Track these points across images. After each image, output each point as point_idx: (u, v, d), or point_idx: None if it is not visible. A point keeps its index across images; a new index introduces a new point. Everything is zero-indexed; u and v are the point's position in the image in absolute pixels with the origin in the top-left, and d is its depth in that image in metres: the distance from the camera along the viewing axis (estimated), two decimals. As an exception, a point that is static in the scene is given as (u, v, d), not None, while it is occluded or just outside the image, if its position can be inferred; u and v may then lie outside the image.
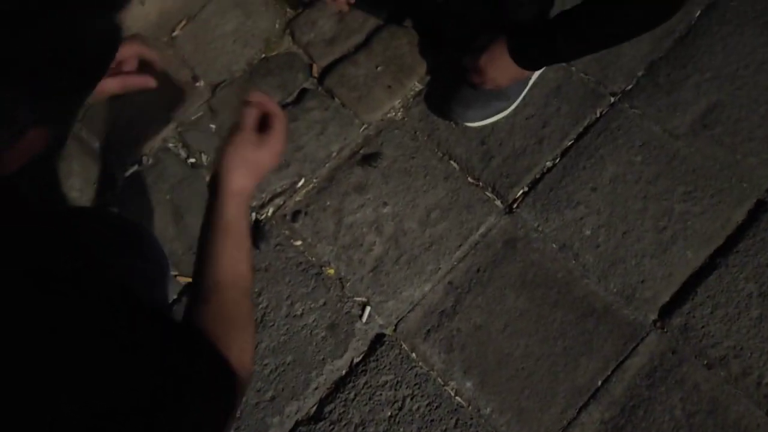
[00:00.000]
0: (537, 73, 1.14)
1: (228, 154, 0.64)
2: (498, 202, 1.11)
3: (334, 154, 1.17)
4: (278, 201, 1.13)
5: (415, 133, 1.17)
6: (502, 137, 1.15)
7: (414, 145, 1.16)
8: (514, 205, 1.10)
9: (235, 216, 0.62)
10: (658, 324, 1.00)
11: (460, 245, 1.08)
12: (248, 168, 0.64)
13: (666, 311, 1.01)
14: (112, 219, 0.84)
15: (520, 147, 1.14)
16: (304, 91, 1.22)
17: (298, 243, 1.10)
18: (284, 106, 1.22)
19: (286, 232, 1.10)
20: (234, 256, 0.60)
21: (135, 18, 1.21)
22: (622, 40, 0.86)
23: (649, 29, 0.81)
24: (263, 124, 0.67)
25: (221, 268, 0.59)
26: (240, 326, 0.56)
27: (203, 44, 1.25)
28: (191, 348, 0.49)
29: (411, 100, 1.21)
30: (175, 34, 1.25)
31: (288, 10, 1.28)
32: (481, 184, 1.13)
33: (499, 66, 1.00)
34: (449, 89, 1.15)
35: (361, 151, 1.15)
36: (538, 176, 1.12)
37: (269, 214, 1.12)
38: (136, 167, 1.17)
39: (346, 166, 1.15)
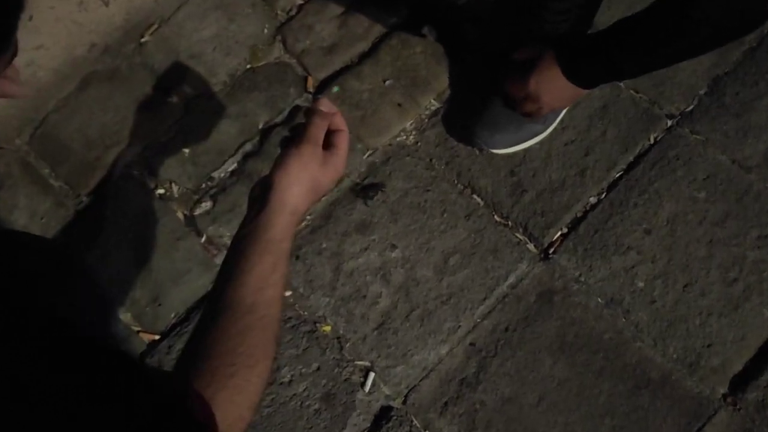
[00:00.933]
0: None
1: (290, 165, 0.66)
2: (531, 246, 1.12)
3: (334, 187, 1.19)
4: None
5: (431, 161, 1.19)
6: (535, 167, 1.16)
7: (429, 176, 1.17)
8: (551, 250, 1.11)
9: (281, 235, 0.64)
10: (729, 399, 0.99)
11: (484, 298, 1.09)
12: (308, 187, 0.67)
13: (738, 383, 1.00)
14: (37, 243, 0.85)
15: (558, 179, 1.15)
16: (296, 109, 1.24)
17: (287, 294, 1.11)
18: (273, 127, 1.24)
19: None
20: (265, 277, 0.61)
21: (98, 22, 1.23)
22: (703, 50, 0.83)
23: (734, 38, 0.80)
24: (325, 141, 0.71)
25: (245, 286, 0.60)
26: (247, 366, 0.56)
27: (177, 52, 1.27)
28: (161, 409, 0.47)
29: (426, 121, 1.22)
30: (144, 40, 1.27)
31: (279, 12, 1.30)
32: (510, 223, 1.14)
33: (554, 88, 0.99)
34: (472, 108, 1.17)
35: (365, 182, 1.17)
36: (579, 215, 1.14)
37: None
38: (92, 198, 1.19)
39: (347, 200, 1.16)
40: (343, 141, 0.70)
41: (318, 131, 0.69)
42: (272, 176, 0.66)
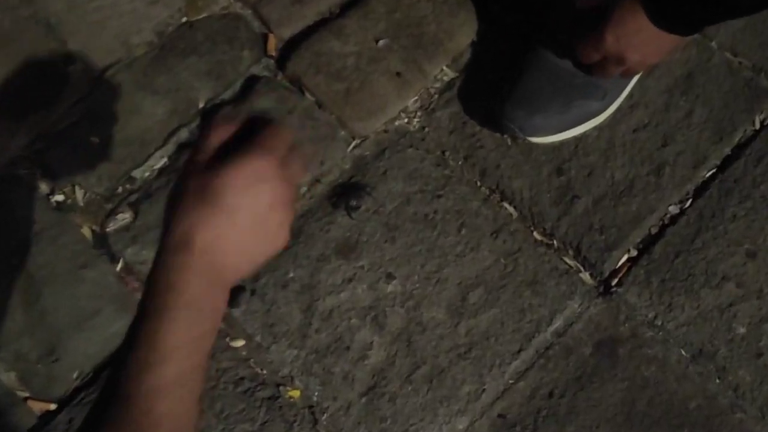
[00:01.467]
0: None
1: (173, 189, 0.67)
2: (586, 276, 1.12)
3: (303, 189, 1.17)
4: None
5: (443, 154, 1.20)
6: (592, 163, 1.17)
7: (440, 176, 1.18)
8: (614, 282, 1.11)
9: (171, 285, 0.63)
10: None
11: (519, 350, 1.08)
12: (195, 198, 0.65)
13: None
14: None
15: (624, 180, 1.15)
16: (252, 81, 1.24)
17: (239, 344, 1.10)
18: (219, 105, 1.23)
19: (220, 325, 1.10)
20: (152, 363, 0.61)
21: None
22: None
23: None
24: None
25: (131, 377, 0.61)
26: None
27: (84, 2, 1.27)
28: None
29: (436, 97, 1.23)
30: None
31: (228, -56, 1.31)
32: (555, 243, 1.14)
33: (642, 41, 1.00)
34: (502, 79, 1.17)
35: (350, 185, 1.17)
36: (654, 231, 1.14)
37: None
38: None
39: (323, 210, 1.16)
40: (266, 128, 0.69)
41: (209, 139, 0.69)
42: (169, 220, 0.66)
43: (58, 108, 1.21)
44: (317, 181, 1.18)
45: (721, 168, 1.16)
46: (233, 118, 0.70)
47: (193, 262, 0.63)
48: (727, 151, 1.16)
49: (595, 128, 1.17)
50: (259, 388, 1.07)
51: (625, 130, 1.18)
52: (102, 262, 1.14)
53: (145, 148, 1.20)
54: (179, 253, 0.64)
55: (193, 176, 0.66)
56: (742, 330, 1.07)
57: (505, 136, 1.18)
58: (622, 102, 1.17)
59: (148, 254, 1.14)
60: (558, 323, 1.10)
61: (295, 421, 1.06)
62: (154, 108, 1.22)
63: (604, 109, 1.16)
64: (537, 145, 1.17)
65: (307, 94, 1.22)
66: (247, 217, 0.66)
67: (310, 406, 1.07)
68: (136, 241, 1.15)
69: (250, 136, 0.69)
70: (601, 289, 1.12)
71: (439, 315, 1.10)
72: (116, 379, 0.61)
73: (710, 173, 1.16)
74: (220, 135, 0.69)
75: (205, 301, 0.64)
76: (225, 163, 0.66)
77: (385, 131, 1.21)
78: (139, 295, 1.06)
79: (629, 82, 1.16)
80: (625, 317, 1.09)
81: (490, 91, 1.19)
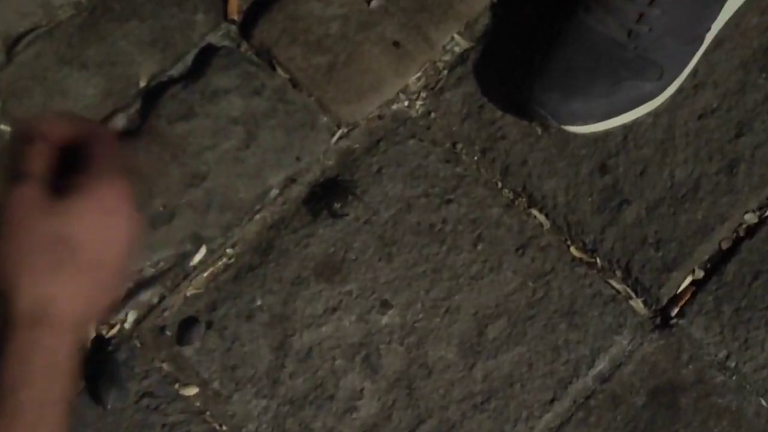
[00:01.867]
0: (724, 17, 1.17)
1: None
2: (638, 304, 1.12)
3: (274, 192, 1.16)
4: (148, 297, 1.13)
5: (454, 146, 1.19)
6: (645, 158, 1.17)
7: (450, 174, 1.18)
8: (674, 312, 1.12)
9: (21, 374, 0.61)
10: None
11: (552, 400, 1.08)
12: (47, 258, 0.63)
13: None
14: None
15: (687, 181, 1.16)
16: (209, 53, 1.23)
17: (191, 392, 1.10)
18: (165, 86, 1.22)
19: (165, 367, 1.10)
20: None
21: None
22: None
23: None
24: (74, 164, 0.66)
25: None
26: None
27: None
28: None
29: (445, 74, 1.23)
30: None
31: None
32: (599, 262, 1.15)
33: None
34: (531, 51, 1.18)
35: (333, 185, 1.18)
36: (726, 246, 1.14)
37: (127, 325, 1.12)
38: None
39: (299, 219, 1.16)
40: (99, 148, 0.66)
41: (34, 157, 0.65)
42: None
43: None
44: (292, 181, 1.17)
45: (813, 165, 1.16)
46: (56, 126, 0.68)
47: (51, 342, 0.63)
48: (823, 142, 1.17)
49: (649, 114, 1.17)
50: (217, 448, 1.08)
51: (688, 116, 1.18)
52: None
53: (71, 139, 1.18)
54: (33, 330, 0.62)
55: (31, 221, 0.63)
56: (839, 374, 1.07)
57: (534, 123, 1.18)
58: (684, 81, 1.17)
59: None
60: (602, 365, 1.10)
61: (263, 492, 1.06)
62: (82, 87, 1.21)
63: (661, 91, 1.16)
64: (575, 135, 1.16)
65: (279, 70, 1.22)
66: (111, 269, 0.66)
67: (283, 473, 1.07)
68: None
69: (84, 149, 0.66)
70: (658, 320, 1.12)
71: (448, 354, 1.10)
72: None
73: (799, 172, 1.16)
74: (44, 153, 0.66)
75: (57, 391, 0.64)
76: (72, 200, 0.64)
77: (380, 117, 1.20)
78: None
79: (692, 57, 1.17)
80: (689, 357, 1.09)
81: (515, 67, 1.19)
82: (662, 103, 1.17)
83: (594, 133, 1.16)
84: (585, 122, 1.15)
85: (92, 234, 0.64)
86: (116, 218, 0.65)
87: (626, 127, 1.17)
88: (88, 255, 0.64)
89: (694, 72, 1.18)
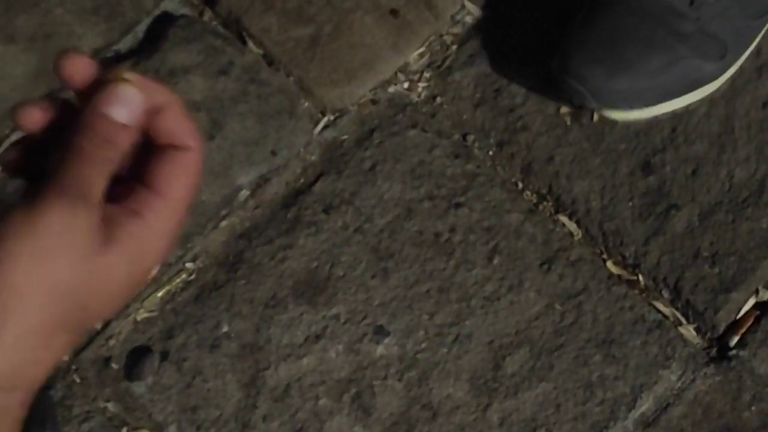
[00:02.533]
0: None
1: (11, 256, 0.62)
2: (689, 331, 1.13)
3: (244, 194, 1.17)
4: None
5: (464, 138, 1.20)
6: (697, 155, 1.17)
7: (459, 171, 1.18)
8: (733, 340, 1.12)
9: None
10: None
11: None
12: (59, 309, 0.61)
13: None
14: None
15: (749, 181, 1.16)
16: (163, 22, 1.24)
17: None
18: (113, 60, 1.22)
19: (110, 407, 1.10)
20: None
21: None
22: None
23: None
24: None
25: None
26: None
27: None
28: None
29: (453, 49, 1.24)
30: None
31: None
32: (641, 280, 1.14)
33: None
34: (563, 20, 1.20)
35: (315, 188, 1.17)
36: None
37: (67, 356, 1.11)
38: None
39: (274, 225, 1.16)
40: (177, 174, 0.63)
41: (95, 162, 0.63)
42: None
43: None
44: (266, 180, 1.18)
45: None
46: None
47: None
48: None
49: (703, 101, 1.18)
50: (172, 508, 1.07)
51: (750, 104, 1.18)
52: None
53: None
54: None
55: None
56: None
57: (563, 111, 1.19)
58: (745, 62, 1.18)
59: None
60: (646, 405, 1.10)
61: None
62: (9, 64, 1.22)
63: (722, 73, 1.18)
64: (613, 124, 1.18)
65: (251, 44, 1.23)
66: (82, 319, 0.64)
67: None
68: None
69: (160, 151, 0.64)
70: (714, 351, 1.12)
71: (457, 393, 1.10)
72: None
73: None
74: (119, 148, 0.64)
75: None
76: (118, 249, 0.62)
77: (374, 102, 1.21)
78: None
79: (758, 35, 1.19)
80: (751, 396, 1.09)
81: (539, 41, 1.20)
82: (719, 88, 1.18)
83: (638, 121, 1.18)
84: (631, 106, 1.16)
85: (110, 288, 0.63)
86: (149, 264, 0.64)
87: (675, 117, 1.18)
88: (87, 313, 0.63)
89: (757, 51, 1.19)
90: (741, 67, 1.18)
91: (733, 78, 1.18)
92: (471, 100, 1.21)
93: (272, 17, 1.23)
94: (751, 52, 1.19)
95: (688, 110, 1.18)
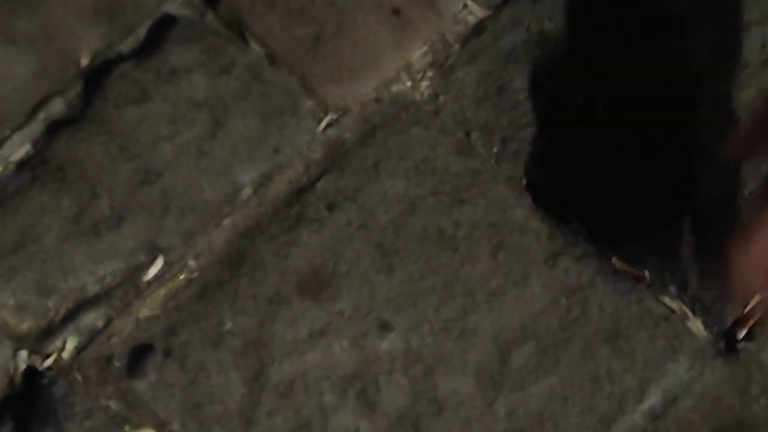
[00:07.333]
0: None
1: None
2: (697, 324, 1.13)
3: (246, 192, 1.18)
4: (91, 320, 1.13)
5: (468, 135, 1.20)
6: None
7: (463, 169, 1.19)
8: (741, 333, 1.12)
9: None
10: None
11: None
12: None
13: None
14: None
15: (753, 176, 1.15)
16: (165, 24, 1.25)
17: None
18: (113, 62, 1.24)
19: (112, 405, 1.10)
20: None
21: None
22: None
23: None
24: None
25: None
26: None
27: None
28: None
29: (456, 48, 1.24)
30: None
31: None
32: (647, 273, 1.15)
33: None
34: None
35: (319, 185, 1.18)
36: None
37: (65, 354, 1.12)
38: None
39: (277, 222, 1.17)
40: None
41: None
42: None
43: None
44: (268, 178, 1.18)
45: None
46: None
47: None
48: None
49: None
50: None
51: (756, 97, 1.18)
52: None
53: (-2, 127, 1.20)
54: None
55: None
56: None
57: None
58: (749, 55, 1.20)
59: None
60: (654, 399, 1.09)
61: None
62: (10, 66, 1.22)
63: None
64: None
65: (253, 43, 1.23)
66: None
67: None
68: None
69: None
70: (722, 345, 1.12)
71: (463, 387, 1.10)
72: None
73: None
74: None
75: None
76: None
77: (377, 101, 1.22)
78: None
79: None
80: (760, 389, 1.09)
81: (545, 39, 1.22)
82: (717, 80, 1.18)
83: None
84: None
85: None
86: None
87: None
88: None
89: (762, 44, 1.20)
90: (745, 60, 1.19)
91: (733, 70, 1.19)
92: (474, 97, 1.21)
93: (274, 16, 1.23)
94: (756, 46, 1.20)
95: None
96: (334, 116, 1.21)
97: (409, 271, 1.14)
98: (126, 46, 1.24)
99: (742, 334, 1.12)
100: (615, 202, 1.18)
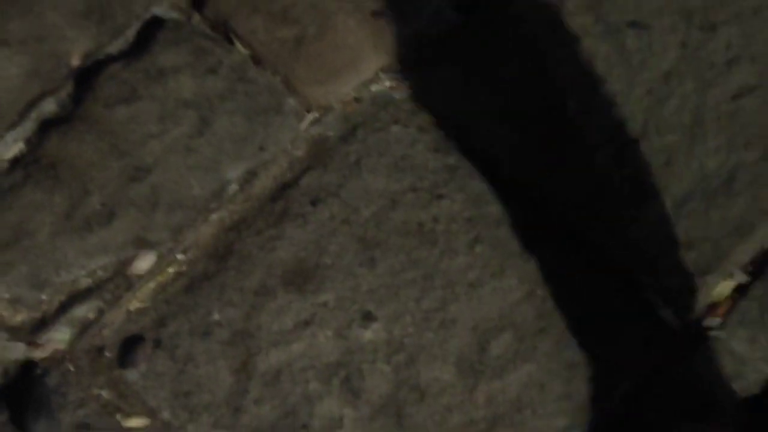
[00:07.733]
0: None
1: None
2: (668, 313, 1.14)
3: (233, 187, 1.18)
4: (83, 312, 1.14)
5: (445, 133, 1.19)
6: (670, 145, 1.18)
7: (441, 165, 1.19)
8: (711, 322, 1.13)
9: None
10: None
11: (568, 427, 1.08)
12: None
13: None
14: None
15: (720, 171, 1.17)
16: (153, 25, 1.25)
17: (137, 423, 1.10)
18: (103, 63, 1.24)
19: (104, 394, 1.11)
20: None
21: None
22: None
23: None
24: None
25: None
26: None
27: None
28: None
29: (433, 49, 1.24)
30: None
31: None
32: (620, 267, 1.14)
33: None
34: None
35: (302, 181, 1.18)
36: None
37: (59, 345, 1.12)
38: None
39: (263, 217, 1.17)
40: None
41: None
42: None
43: None
44: (254, 174, 1.19)
45: None
46: None
47: None
48: None
49: (673, 94, 1.19)
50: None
51: (720, 96, 1.19)
52: None
53: (-11, 126, 1.20)
54: None
55: None
56: None
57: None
58: (715, 55, 1.19)
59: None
60: (627, 386, 1.09)
61: None
62: (3, 67, 1.23)
63: None
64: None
65: (238, 45, 1.24)
66: None
67: None
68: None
69: None
70: (692, 332, 1.11)
71: (444, 375, 1.10)
72: None
73: None
74: None
75: None
76: None
77: (357, 100, 1.22)
78: None
79: None
80: (730, 375, 1.08)
81: (521, 42, 1.22)
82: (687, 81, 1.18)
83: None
84: None
85: None
86: None
87: (647, 111, 1.18)
88: None
89: (727, 45, 1.20)
90: (711, 61, 1.19)
91: (702, 71, 1.19)
92: (451, 97, 1.22)
93: (258, 19, 1.23)
94: (721, 46, 1.19)
95: (659, 103, 1.18)
96: (317, 115, 1.22)
97: (390, 263, 1.15)
98: (115, 47, 1.25)
99: (712, 322, 1.12)
100: (591, 197, 1.18)
